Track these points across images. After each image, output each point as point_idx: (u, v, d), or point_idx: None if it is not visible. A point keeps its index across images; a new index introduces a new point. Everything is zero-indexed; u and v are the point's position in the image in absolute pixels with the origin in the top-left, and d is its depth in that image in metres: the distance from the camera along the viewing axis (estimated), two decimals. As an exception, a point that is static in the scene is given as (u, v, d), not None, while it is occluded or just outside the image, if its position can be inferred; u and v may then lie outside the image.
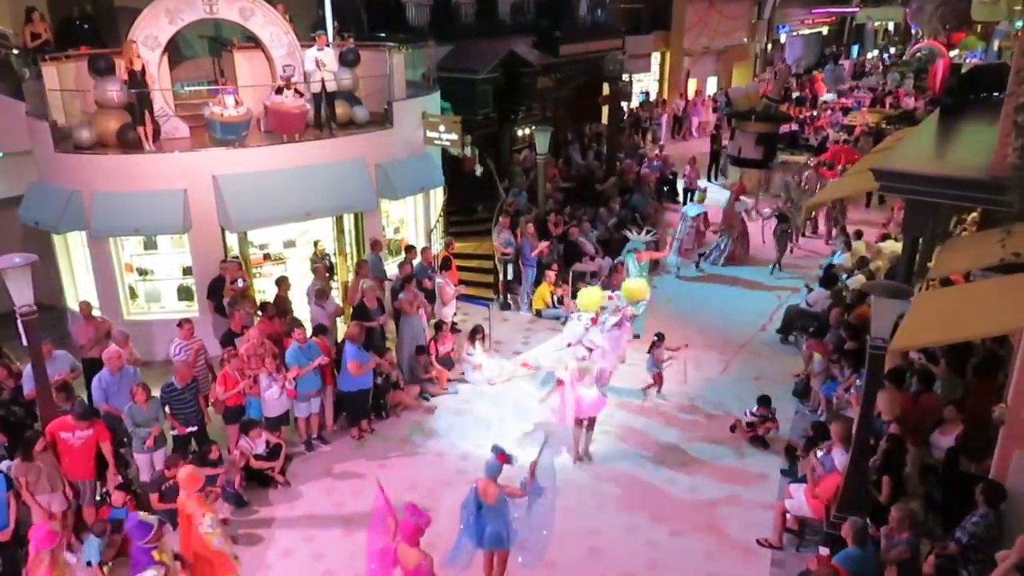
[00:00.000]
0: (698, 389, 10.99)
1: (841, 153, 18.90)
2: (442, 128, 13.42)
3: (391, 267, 12.70)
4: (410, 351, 11.02)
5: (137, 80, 10.79)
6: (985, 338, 8.50)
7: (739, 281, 15.05)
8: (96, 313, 10.51)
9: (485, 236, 14.61)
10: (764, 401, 9.74)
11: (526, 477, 6.84)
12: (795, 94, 29.47)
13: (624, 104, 23.47)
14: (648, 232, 13.60)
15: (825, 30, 43.22)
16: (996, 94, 9.74)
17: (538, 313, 13.46)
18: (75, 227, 11.25)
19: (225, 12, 11.86)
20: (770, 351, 12.24)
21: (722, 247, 15.81)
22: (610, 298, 11.11)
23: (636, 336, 11.86)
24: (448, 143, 13.53)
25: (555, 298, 13.39)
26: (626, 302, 11.10)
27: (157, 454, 8.37)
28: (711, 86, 32.37)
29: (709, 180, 20.94)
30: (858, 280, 12.05)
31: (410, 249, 12.44)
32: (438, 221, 14.69)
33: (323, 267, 11.79)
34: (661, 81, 29.74)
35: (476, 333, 11.44)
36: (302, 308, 11.25)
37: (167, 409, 8.60)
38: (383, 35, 15.14)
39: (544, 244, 13.60)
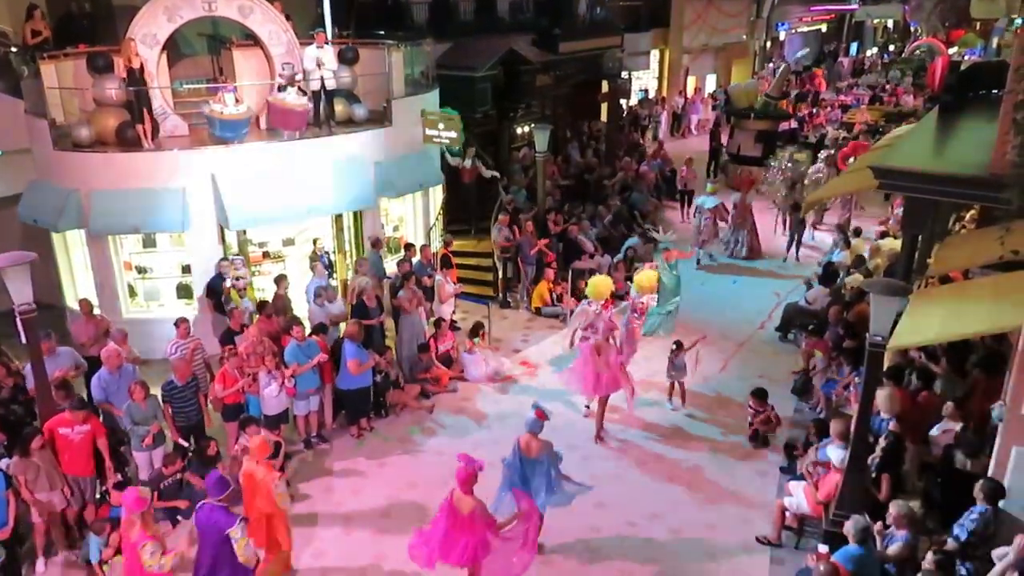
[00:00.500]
0: (697, 386, 10.99)
1: (860, 148, 18.84)
2: (441, 126, 13.41)
3: (390, 265, 12.71)
4: (410, 349, 11.02)
5: (136, 78, 10.78)
6: (984, 336, 8.50)
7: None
8: (96, 311, 10.51)
9: (484, 235, 14.61)
10: (760, 394, 9.69)
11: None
12: (794, 91, 29.43)
13: (623, 102, 23.43)
14: (669, 232, 13.95)
15: (824, 27, 43.20)
16: (995, 91, 9.72)
17: (537, 311, 13.47)
18: (74, 225, 11.24)
19: (224, 10, 11.84)
20: (769, 349, 12.25)
21: (740, 240, 15.95)
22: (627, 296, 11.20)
23: (644, 334, 11.87)
24: (447, 141, 13.54)
25: (554, 296, 13.40)
26: (638, 294, 11.15)
27: (156, 452, 8.36)
28: (710, 83, 32.34)
29: (709, 177, 20.89)
30: (856, 278, 12.06)
31: (409, 247, 12.44)
32: (437, 219, 14.70)
33: (322, 267, 11.75)
34: (660, 78, 29.73)
35: (477, 331, 11.44)
36: (301, 306, 11.25)
37: (169, 409, 8.58)
38: (382, 33, 15.12)
39: (543, 242, 13.62)
